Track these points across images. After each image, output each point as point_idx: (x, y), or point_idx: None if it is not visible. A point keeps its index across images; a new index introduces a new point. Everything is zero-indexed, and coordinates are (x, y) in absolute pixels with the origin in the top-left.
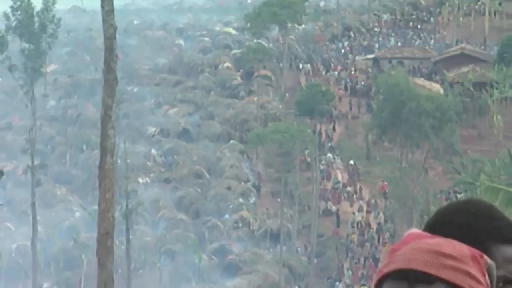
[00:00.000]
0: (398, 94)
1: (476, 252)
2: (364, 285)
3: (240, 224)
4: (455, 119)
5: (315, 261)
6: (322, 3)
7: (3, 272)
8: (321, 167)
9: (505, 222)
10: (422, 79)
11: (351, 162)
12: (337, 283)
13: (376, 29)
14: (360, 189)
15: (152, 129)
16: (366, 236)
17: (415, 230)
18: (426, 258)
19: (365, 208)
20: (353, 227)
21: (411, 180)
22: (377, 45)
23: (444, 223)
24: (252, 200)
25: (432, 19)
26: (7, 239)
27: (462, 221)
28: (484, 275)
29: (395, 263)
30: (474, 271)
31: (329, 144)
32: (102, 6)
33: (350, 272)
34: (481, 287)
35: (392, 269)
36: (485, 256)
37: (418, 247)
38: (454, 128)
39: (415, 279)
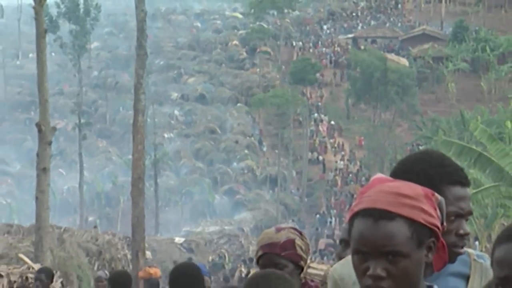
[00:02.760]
0: (375, 69)
1: (429, 191)
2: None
3: (246, 171)
4: (414, 86)
5: (306, 200)
6: None
7: (57, 208)
8: (311, 127)
9: (454, 167)
10: (392, 54)
11: (332, 122)
12: (329, 219)
13: (354, 14)
14: (342, 142)
15: (175, 94)
16: (346, 180)
17: (379, 175)
18: (387, 199)
19: (346, 158)
20: (336, 172)
21: (382, 135)
22: (356, 27)
23: (404, 171)
24: (255, 151)
25: (399, 5)
26: (59, 182)
27: (419, 169)
28: (435, 209)
29: (363, 203)
30: (427, 207)
31: (317, 104)
32: None
33: (335, 211)
34: (433, 219)
35: (360, 208)
36: (436, 194)
37: (381, 189)
38: (415, 93)
39: (379, 216)
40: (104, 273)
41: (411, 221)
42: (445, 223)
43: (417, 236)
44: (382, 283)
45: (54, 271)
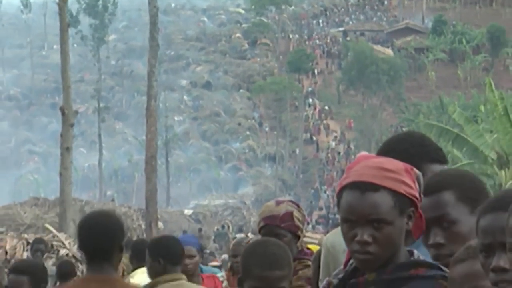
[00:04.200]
0: (363, 58)
1: (408, 166)
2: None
3: (247, 150)
4: (403, 75)
5: (301, 176)
6: None
7: (79, 183)
8: (306, 111)
9: (433, 147)
10: (379, 45)
11: (326, 107)
12: (322, 193)
13: (344, 9)
14: (333, 125)
15: (184, 82)
16: (337, 158)
17: (364, 153)
18: (372, 173)
19: (337, 138)
20: (328, 151)
21: (369, 118)
22: (346, 21)
23: (389, 150)
24: (256, 132)
25: (385, 2)
26: (81, 160)
27: (402, 148)
28: (414, 182)
29: (350, 177)
30: (407, 179)
31: (309, 89)
32: None
33: (325, 186)
34: (412, 191)
35: (348, 181)
36: (415, 169)
37: (367, 165)
38: (402, 81)
39: (365, 188)
40: None
41: (394, 192)
42: (422, 195)
43: (399, 205)
44: (369, 247)
45: (75, 240)
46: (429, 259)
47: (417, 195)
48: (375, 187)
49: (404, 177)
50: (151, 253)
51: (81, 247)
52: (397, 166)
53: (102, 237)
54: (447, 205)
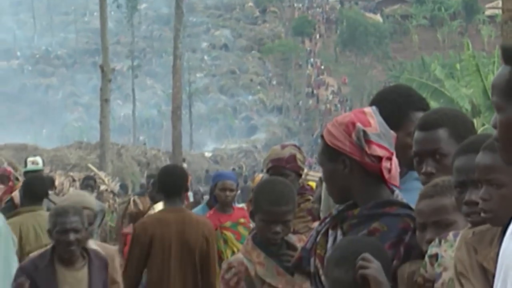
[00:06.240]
0: (356, 24)
1: (352, 121)
2: None
3: (258, 102)
4: (387, 37)
5: (304, 124)
6: None
7: (116, 130)
8: (307, 70)
9: (418, 97)
10: (371, 13)
11: (324, 66)
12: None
13: None
14: (331, 81)
15: (204, 44)
16: (333, 109)
17: (364, 108)
18: (328, 126)
19: (334, 92)
20: (326, 103)
21: (362, 75)
22: None
23: (380, 100)
24: (266, 87)
25: None
26: (117, 110)
27: (391, 98)
28: (350, 136)
29: None
30: (336, 132)
31: (310, 50)
32: None
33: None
34: (337, 142)
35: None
36: (358, 124)
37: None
38: (388, 42)
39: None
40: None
41: (324, 141)
42: (366, 148)
43: (326, 152)
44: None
45: (113, 177)
46: (409, 195)
47: (344, 147)
48: (322, 136)
49: (335, 129)
50: None
51: (160, 188)
52: (341, 121)
53: (175, 181)
54: (440, 140)
